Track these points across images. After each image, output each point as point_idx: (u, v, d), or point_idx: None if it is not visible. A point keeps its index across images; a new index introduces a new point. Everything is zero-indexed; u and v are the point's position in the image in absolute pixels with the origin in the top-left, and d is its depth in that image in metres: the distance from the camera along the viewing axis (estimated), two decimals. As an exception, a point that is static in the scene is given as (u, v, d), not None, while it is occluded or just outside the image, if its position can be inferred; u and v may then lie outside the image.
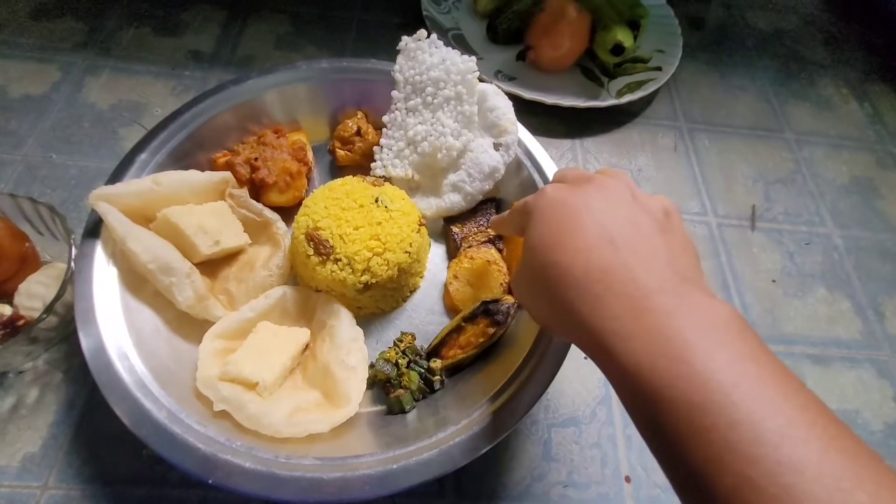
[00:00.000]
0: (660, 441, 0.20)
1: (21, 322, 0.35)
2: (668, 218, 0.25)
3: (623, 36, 0.53)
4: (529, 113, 0.50)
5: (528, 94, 0.53)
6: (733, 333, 0.20)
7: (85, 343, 0.31)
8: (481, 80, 0.45)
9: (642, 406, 0.20)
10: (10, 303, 0.36)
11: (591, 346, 0.22)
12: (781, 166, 0.55)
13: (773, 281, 0.47)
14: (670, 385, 0.19)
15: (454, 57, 0.44)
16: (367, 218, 0.38)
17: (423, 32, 0.46)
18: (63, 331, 0.35)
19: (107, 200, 0.35)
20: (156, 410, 0.29)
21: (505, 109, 0.44)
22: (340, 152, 0.47)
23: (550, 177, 0.44)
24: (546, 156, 0.46)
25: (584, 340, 0.23)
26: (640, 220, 0.24)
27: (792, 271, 0.48)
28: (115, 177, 0.38)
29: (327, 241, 0.37)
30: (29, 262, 0.38)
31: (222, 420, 0.31)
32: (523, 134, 0.46)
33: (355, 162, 0.47)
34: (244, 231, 0.40)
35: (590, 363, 0.40)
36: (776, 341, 0.44)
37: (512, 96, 0.47)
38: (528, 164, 0.45)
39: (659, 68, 0.58)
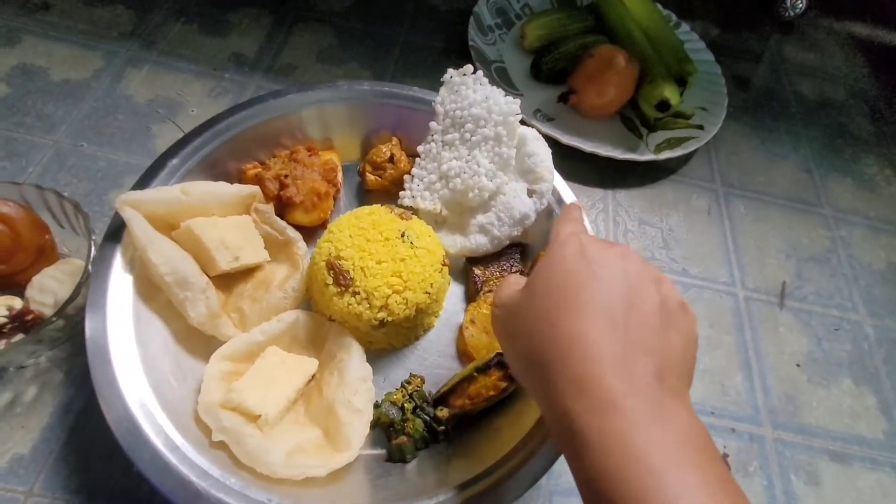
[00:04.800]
0: None
1: (30, 317, 0.34)
2: (683, 314, 0.25)
3: (670, 93, 0.52)
4: (564, 157, 0.49)
5: (565, 139, 0.52)
6: (699, 455, 0.20)
7: (91, 356, 0.30)
8: (523, 124, 0.44)
9: None
10: (22, 295, 0.36)
11: (558, 422, 0.22)
12: (817, 243, 0.54)
13: (798, 365, 0.45)
14: (631, 497, 0.19)
15: (498, 97, 0.43)
16: (390, 253, 0.37)
17: (469, 67, 0.45)
18: (70, 331, 0.35)
19: (133, 206, 0.34)
20: (153, 435, 0.28)
21: (543, 157, 0.43)
22: (370, 177, 0.46)
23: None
24: (578, 206, 0.44)
25: (552, 412, 0.22)
26: (652, 308, 0.23)
27: (818, 357, 0.46)
28: (145, 180, 0.37)
29: (348, 272, 0.36)
30: (46, 255, 0.37)
31: (219, 450, 0.30)
32: (557, 181, 0.45)
33: (384, 188, 0.46)
34: (265, 247, 0.40)
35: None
36: (795, 431, 0.42)
37: (548, 138, 0.46)
38: (558, 212, 0.44)
39: (701, 127, 0.57)
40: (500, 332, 0.28)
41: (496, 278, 0.42)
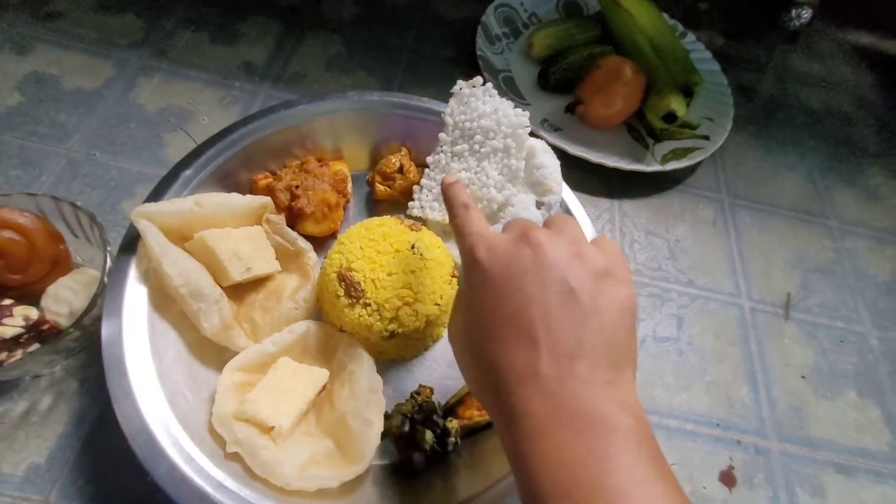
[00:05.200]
0: None
1: (46, 327, 0.35)
2: (602, 288, 0.23)
3: (677, 104, 0.52)
4: (571, 167, 0.50)
5: (572, 149, 0.52)
6: (636, 450, 0.20)
7: (108, 367, 0.30)
8: (531, 135, 0.44)
9: None
10: (37, 304, 0.36)
11: (510, 453, 0.22)
12: (822, 254, 0.54)
13: (803, 377, 0.46)
14: None
15: (507, 109, 0.44)
16: (401, 265, 0.38)
17: (478, 79, 0.45)
18: (86, 341, 0.35)
19: (148, 218, 0.35)
20: (169, 447, 0.29)
21: (552, 169, 0.43)
22: (380, 187, 0.46)
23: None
24: (585, 216, 0.45)
25: (504, 442, 0.23)
26: (565, 302, 0.23)
27: (823, 369, 0.46)
28: (159, 191, 0.38)
29: (359, 283, 0.37)
30: (61, 265, 0.38)
31: (233, 462, 0.31)
32: (565, 193, 0.45)
33: (393, 198, 0.47)
34: (276, 258, 0.40)
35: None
36: (801, 443, 0.42)
37: (555, 148, 0.46)
38: (567, 224, 0.44)
39: (707, 137, 0.57)
40: (456, 357, 0.28)
41: (504, 289, 0.42)
